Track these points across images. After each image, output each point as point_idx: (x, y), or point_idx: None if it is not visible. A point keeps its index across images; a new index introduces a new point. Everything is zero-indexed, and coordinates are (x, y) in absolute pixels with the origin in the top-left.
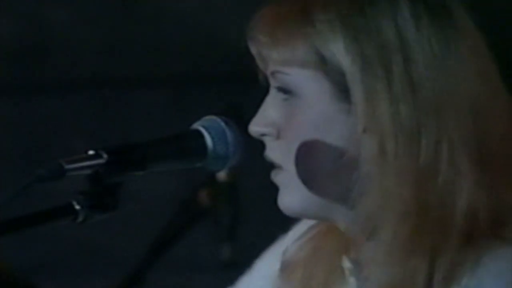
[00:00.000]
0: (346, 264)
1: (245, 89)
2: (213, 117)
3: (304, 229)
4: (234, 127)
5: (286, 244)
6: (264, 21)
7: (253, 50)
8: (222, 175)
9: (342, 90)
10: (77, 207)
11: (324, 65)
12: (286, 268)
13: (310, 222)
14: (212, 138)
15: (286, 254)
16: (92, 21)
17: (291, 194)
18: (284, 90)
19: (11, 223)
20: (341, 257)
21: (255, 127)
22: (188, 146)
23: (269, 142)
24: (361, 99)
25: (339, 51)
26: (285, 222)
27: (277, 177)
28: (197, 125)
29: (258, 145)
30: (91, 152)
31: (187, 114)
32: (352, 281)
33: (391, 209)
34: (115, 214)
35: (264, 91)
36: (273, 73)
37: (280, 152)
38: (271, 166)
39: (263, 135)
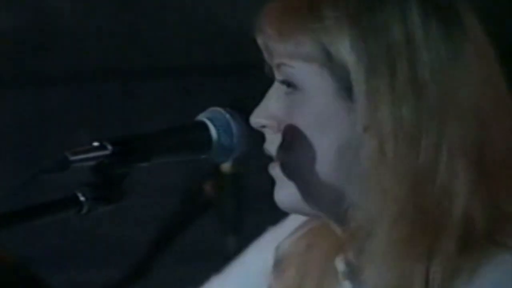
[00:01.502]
0: (340, 266)
1: (249, 81)
2: (218, 109)
3: (296, 223)
4: (239, 118)
5: (279, 238)
6: (272, 14)
7: (260, 42)
8: (226, 166)
9: (346, 88)
10: (82, 198)
11: (329, 62)
12: (279, 265)
13: (302, 216)
14: (217, 129)
15: (279, 251)
16: (97, 13)
17: (287, 189)
18: (288, 83)
19: (16, 215)
20: (334, 258)
21: (256, 119)
22: (193, 138)
23: (269, 134)
24: (363, 98)
25: (345, 49)
26: (288, 214)
27: (274, 171)
28: (201, 117)
29: (262, 137)
30: (95, 144)
31: (192, 106)
32: (346, 284)
33: (387, 209)
34: (120, 205)
35: (269, 83)
36: (278, 66)
37: (284, 145)
38: (270, 159)
39: (264, 127)
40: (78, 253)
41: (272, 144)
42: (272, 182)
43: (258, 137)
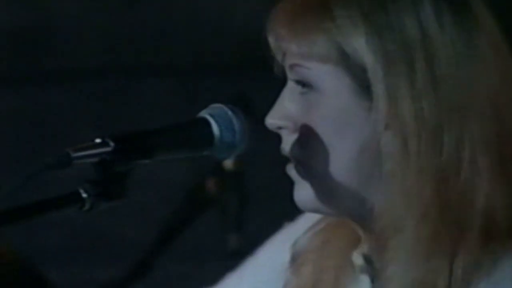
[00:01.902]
0: (358, 260)
1: (252, 78)
2: (220, 105)
3: (312, 220)
4: (241, 115)
5: (295, 235)
6: (283, 14)
7: (272, 42)
8: (229, 163)
9: (363, 86)
10: (84, 195)
11: (345, 61)
12: (296, 261)
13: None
14: (219, 126)
15: (296, 246)
16: (97, 10)
17: (305, 190)
18: (303, 83)
19: (18, 212)
20: (351, 252)
21: (272, 120)
22: (195, 134)
23: (285, 135)
24: (383, 96)
25: (361, 47)
26: (292, 211)
27: (291, 172)
28: (204, 113)
29: (265, 134)
30: (97, 140)
31: (194, 102)
32: (363, 278)
33: (412, 208)
34: (122, 202)
35: (271, 80)
36: (291, 66)
37: (301, 145)
38: (286, 159)
39: (280, 128)
40: (79, 250)
41: (288, 145)
42: (274, 179)
43: (260, 134)
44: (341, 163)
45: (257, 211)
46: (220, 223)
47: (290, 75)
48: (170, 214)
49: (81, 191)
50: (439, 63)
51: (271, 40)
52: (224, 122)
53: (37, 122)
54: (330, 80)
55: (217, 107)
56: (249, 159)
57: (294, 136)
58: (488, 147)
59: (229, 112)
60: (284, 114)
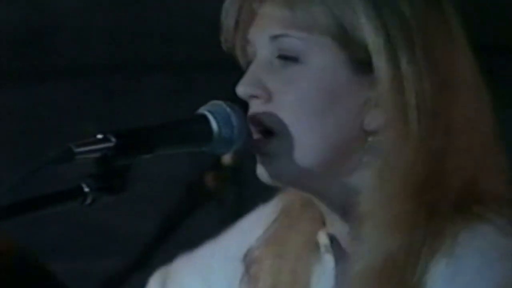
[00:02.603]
0: (323, 239)
1: None
2: (219, 102)
3: (268, 219)
4: (239, 111)
5: (251, 225)
6: None
7: (247, 10)
8: (227, 158)
9: (358, 62)
10: (86, 189)
11: (343, 35)
12: (251, 266)
13: (273, 210)
14: (218, 122)
15: (250, 254)
16: (99, 7)
17: (284, 163)
18: (285, 56)
19: (21, 206)
20: (315, 235)
21: (244, 87)
22: (194, 130)
23: (255, 105)
24: (385, 70)
25: (360, 20)
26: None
27: (268, 145)
28: (202, 110)
29: None
30: (99, 136)
31: (194, 99)
32: (328, 257)
33: (392, 183)
34: (124, 195)
35: None
36: (275, 37)
37: (275, 115)
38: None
39: (252, 96)
40: (81, 242)
41: (258, 113)
42: None
43: None
44: (319, 137)
45: (254, 204)
46: (218, 216)
47: (267, 48)
48: (170, 207)
49: (83, 185)
50: (434, 45)
51: (246, 7)
52: (222, 118)
53: (40, 118)
54: (322, 53)
55: (216, 103)
56: (247, 154)
57: (268, 107)
58: (471, 130)
59: (228, 109)
60: (258, 84)
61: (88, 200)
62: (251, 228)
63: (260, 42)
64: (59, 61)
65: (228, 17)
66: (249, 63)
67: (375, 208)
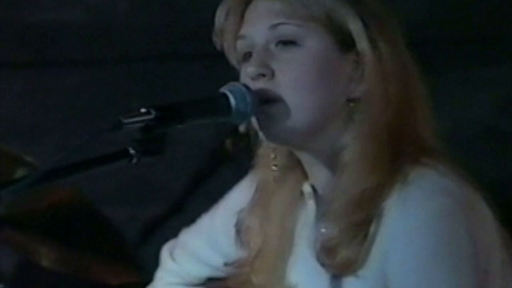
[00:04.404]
0: (307, 188)
1: None
2: (236, 83)
3: (250, 190)
4: (251, 90)
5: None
6: None
7: (255, 4)
8: (242, 127)
9: (343, 44)
10: (132, 152)
11: (330, 23)
12: (241, 232)
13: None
14: (235, 99)
15: (240, 222)
16: (143, 9)
17: (284, 124)
18: (284, 41)
19: (83, 164)
20: (300, 187)
21: (255, 68)
22: (217, 105)
23: (263, 82)
24: (368, 52)
25: (345, 14)
26: None
27: (271, 109)
28: (223, 89)
29: None
30: (143, 110)
31: (217, 83)
32: (310, 203)
33: (371, 137)
34: (162, 156)
35: None
36: (274, 26)
37: (278, 89)
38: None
39: (260, 74)
40: (128, 193)
41: (268, 89)
42: None
43: None
44: (312, 104)
45: None
46: (235, 173)
47: (266, 36)
48: (198, 166)
49: (130, 149)
50: (395, 31)
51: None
52: (239, 96)
53: (97, 97)
54: (315, 37)
55: (234, 84)
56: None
57: (273, 82)
58: (420, 95)
59: (243, 88)
60: (264, 65)
61: (134, 160)
62: (239, 198)
63: (259, 32)
64: (112, 51)
65: (219, 19)
66: (238, 57)
67: (355, 157)
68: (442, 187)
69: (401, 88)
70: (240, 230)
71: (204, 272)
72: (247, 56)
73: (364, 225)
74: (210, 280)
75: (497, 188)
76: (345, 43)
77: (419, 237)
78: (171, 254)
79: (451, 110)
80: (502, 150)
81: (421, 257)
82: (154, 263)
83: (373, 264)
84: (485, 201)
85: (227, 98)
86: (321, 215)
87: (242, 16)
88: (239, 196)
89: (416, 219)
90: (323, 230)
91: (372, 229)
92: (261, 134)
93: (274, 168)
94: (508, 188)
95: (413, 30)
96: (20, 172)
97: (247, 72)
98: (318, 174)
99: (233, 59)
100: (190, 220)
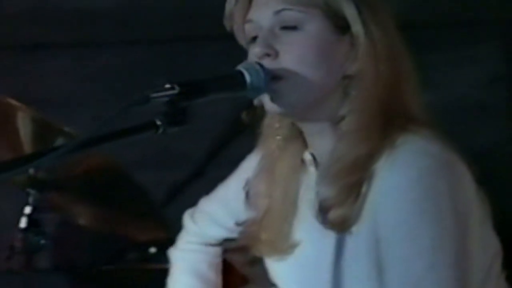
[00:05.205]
0: (307, 156)
1: None
2: (251, 62)
3: (257, 160)
4: (265, 68)
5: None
6: None
7: (244, 2)
8: (257, 101)
9: (339, 27)
10: (158, 123)
11: (328, 9)
12: (249, 195)
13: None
14: (250, 75)
15: (248, 185)
16: None
17: (287, 98)
18: (286, 26)
19: (116, 134)
20: (301, 155)
21: (262, 48)
22: (234, 81)
23: (268, 61)
24: (362, 34)
25: (341, 1)
26: None
27: (276, 85)
28: (240, 67)
29: None
30: (167, 85)
31: (234, 63)
32: (311, 169)
33: (367, 109)
34: (185, 127)
35: None
36: (278, 12)
37: (282, 67)
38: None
39: (266, 55)
40: (154, 159)
41: (273, 68)
42: None
43: None
44: (313, 81)
45: None
46: (251, 142)
47: (271, 21)
48: (217, 135)
49: (156, 120)
50: (385, 15)
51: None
52: (253, 72)
53: (127, 74)
54: (315, 22)
55: (249, 62)
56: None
57: (277, 61)
58: (409, 71)
59: (257, 66)
60: (269, 46)
61: (160, 130)
62: (249, 167)
63: (265, 16)
64: (142, 33)
65: (230, 4)
66: (246, 38)
67: (351, 128)
68: (425, 150)
69: (390, 67)
70: (249, 192)
71: (220, 233)
72: (254, 38)
73: (356, 187)
74: (225, 240)
75: (485, 155)
76: (341, 26)
77: (405, 193)
78: (192, 218)
79: (442, 86)
80: (488, 122)
81: (407, 209)
82: (178, 222)
83: (365, 220)
84: (465, 164)
85: (242, 74)
86: (320, 180)
87: (250, 1)
88: (248, 166)
89: (402, 177)
90: (320, 191)
91: (363, 189)
92: (267, 106)
93: (278, 137)
94: (495, 155)
95: (406, 13)
96: (60, 141)
97: (254, 52)
98: (318, 143)
99: (242, 40)
100: (210, 183)
